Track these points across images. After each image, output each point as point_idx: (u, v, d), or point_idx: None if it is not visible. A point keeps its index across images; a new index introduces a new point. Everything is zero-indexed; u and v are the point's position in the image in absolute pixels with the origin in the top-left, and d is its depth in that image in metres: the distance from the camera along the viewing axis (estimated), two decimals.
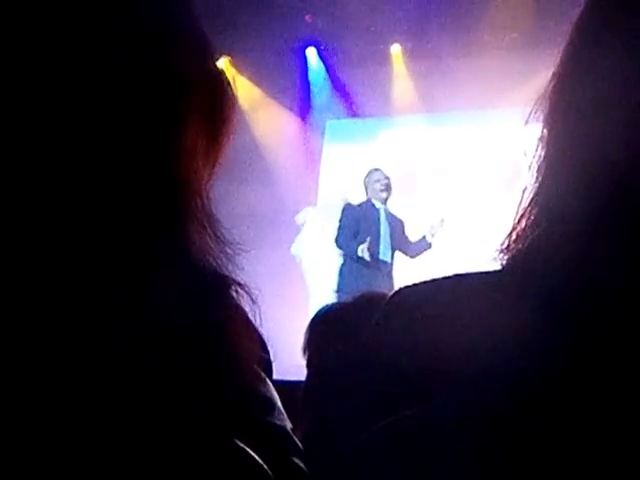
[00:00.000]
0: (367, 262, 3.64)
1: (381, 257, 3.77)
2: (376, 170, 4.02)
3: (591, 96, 0.34)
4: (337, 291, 3.78)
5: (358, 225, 3.79)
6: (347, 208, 3.93)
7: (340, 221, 3.86)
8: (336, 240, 3.85)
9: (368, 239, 3.65)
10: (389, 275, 3.79)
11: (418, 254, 3.92)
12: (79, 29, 0.34)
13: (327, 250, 4.14)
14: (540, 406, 0.32)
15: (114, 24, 0.35)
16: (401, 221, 4.00)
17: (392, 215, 3.98)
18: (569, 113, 0.36)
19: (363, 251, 3.63)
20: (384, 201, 3.94)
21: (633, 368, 0.31)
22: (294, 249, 4.55)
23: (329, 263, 4.11)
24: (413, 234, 4.01)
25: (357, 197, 4.09)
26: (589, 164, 0.33)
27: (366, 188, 4.01)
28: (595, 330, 0.31)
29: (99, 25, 0.35)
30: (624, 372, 0.31)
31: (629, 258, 0.32)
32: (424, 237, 3.91)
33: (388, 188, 3.93)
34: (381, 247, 3.80)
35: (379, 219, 3.88)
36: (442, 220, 3.87)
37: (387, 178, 3.96)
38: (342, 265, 3.84)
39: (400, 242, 3.92)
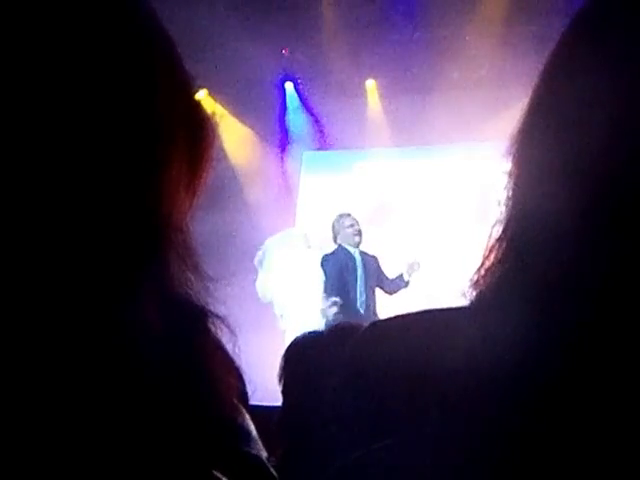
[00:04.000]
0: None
1: (359, 307, 3.71)
2: (347, 215, 3.93)
3: (558, 134, 0.34)
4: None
5: (342, 276, 3.72)
6: (326, 259, 3.81)
7: (325, 274, 3.75)
8: (326, 291, 3.73)
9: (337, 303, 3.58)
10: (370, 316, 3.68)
11: (395, 291, 3.88)
12: (61, 71, 0.34)
13: (300, 279, 3.99)
14: (501, 446, 0.32)
15: (97, 65, 0.36)
16: (375, 258, 3.92)
17: (366, 255, 3.88)
18: (535, 151, 0.36)
19: (333, 315, 3.54)
20: (357, 245, 3.84)
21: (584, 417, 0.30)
22: (260, 292, 4.19)
23: (304, 295, 3.96)
24: (387, 266, 3.97)
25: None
26: (555, 202, 0.33)
27: (336, 233, 3.90)
28: (559, 370, 0.31)
29: (83, 64, 0.35)
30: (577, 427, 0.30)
31: (597, 296, 0.31)
32: (401, 275, 3.86)
33: (360, 233, 3.85)
34: (358, 301, 3.72)
35: (356, 267, 3.79)
36: (418, 263, 3.83)
37: (358, 222, 3.89)
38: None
39: (378, 279, 3.85)
